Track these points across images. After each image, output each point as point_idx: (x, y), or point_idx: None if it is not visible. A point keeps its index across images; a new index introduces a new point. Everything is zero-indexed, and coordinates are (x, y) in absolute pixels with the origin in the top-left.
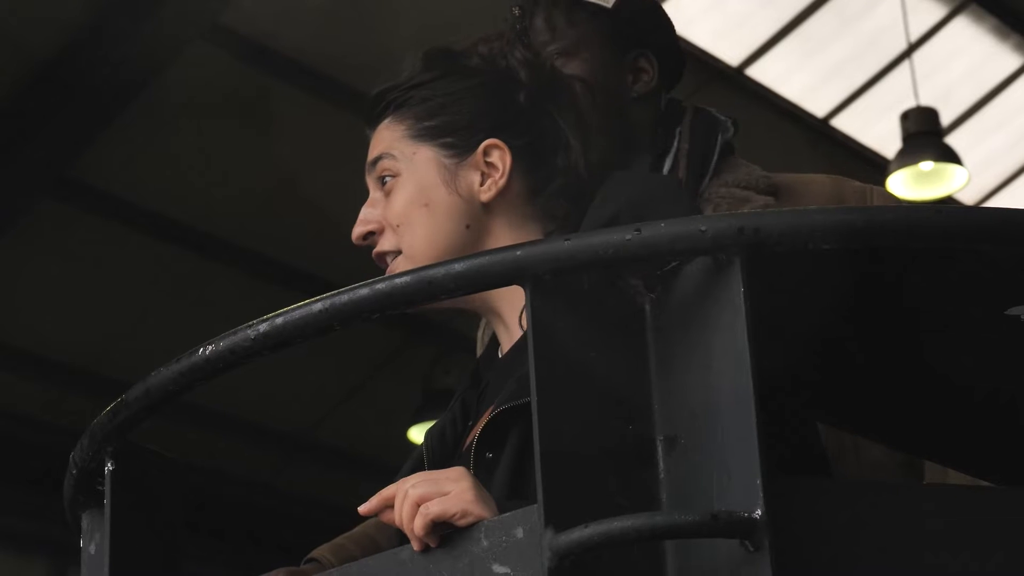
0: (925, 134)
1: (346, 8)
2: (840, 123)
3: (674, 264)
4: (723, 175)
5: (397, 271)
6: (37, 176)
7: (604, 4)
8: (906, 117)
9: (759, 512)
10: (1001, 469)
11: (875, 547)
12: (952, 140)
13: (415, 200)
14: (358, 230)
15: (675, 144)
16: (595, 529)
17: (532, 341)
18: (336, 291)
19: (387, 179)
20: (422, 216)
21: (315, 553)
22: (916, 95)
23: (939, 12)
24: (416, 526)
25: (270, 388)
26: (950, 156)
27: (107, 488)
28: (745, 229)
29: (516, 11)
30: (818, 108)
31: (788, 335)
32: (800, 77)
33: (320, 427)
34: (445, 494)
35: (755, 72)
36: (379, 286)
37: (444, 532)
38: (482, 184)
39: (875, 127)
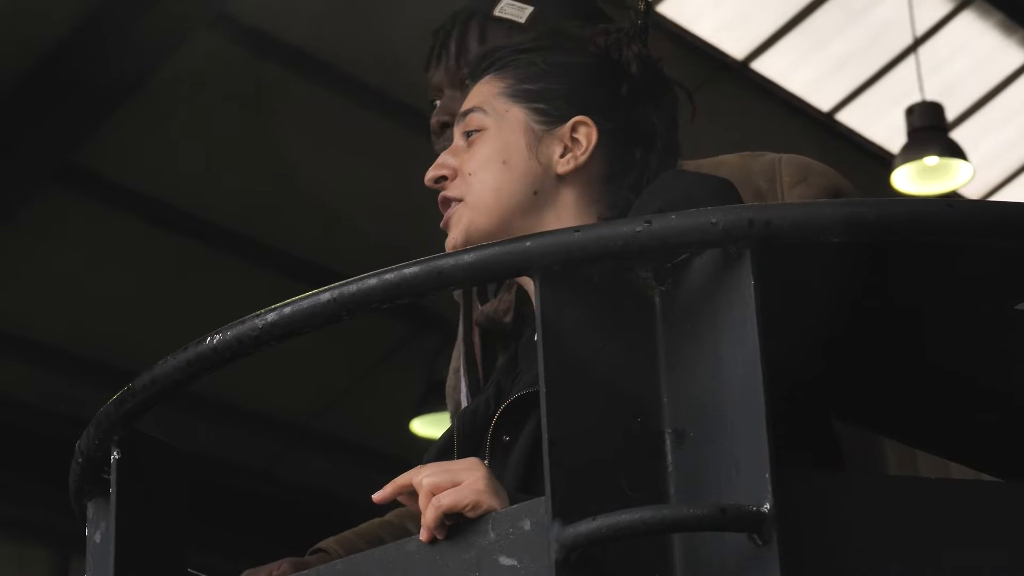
0: (930, 129)
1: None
2: (845, 117)
3: (684, 256)
4: None
5: (455, 218)
6: (41, 164)
7: (518, 20)
8: (911, 112)
9: (768, 506)
10: (1006, 463)
11: (883, 540)
12: (957, 135)
13: (495, 155)
14: (432, 173)
15: None
16: (603, 522)
17: (541, 333)
18: (344, 281)
19: (473, 132)
20: (497, 170)
21: (322, 544)
22: (921, 90)
23: (945, 7)
24: (427, 517)
25: (273, 378)
26: (955, 151)
27: (113, 477)
28: (755, 222)
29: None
30: (823, 102)
31: (799, 330)
32: (805, 71)
33: (323, 417)
34: (458, 484)
35: (760, 66)
36: (388, 276)
37: (453, 523)
38: (562, 156)
39: (880, 121)
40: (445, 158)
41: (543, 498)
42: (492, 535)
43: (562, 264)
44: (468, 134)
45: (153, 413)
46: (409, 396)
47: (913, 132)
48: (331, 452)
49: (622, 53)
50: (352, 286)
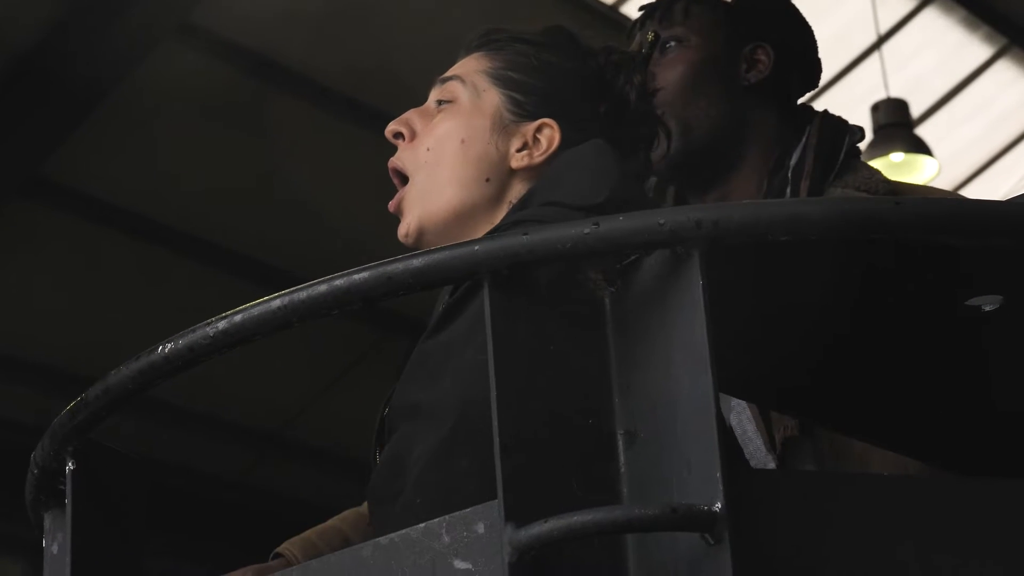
0: (895, 125)
1: (319, 8)
2: None
3: (633, 258)
4: (845, 176)
5: (407, 203)
6: (9, 174)
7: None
8: (876, 109)
9: (719, 505)
10: (965, 460)
11: (838, 539)
12: (922, 131)
13: (457, 130)
14: (393, 127)
15: (803, 139)
16: (555, 524)
17: (491, 336)
18: (294, 288)
19: (445, 102)
20: (453, 150)
21: (282, 548)
22: (886, 87)
23: (908, 4)
24: None
25: (244, 385)
26: (920, 147)
27: (68, 487)
28: (703, 222)
29: (651, 36)
30: None
31: (778, 331)
32: None
33: (295, 423)
34: None
35: None
36: (337, 282)
37: None
38: (519, 151)
39: (846, 119)
40: (411, 115)
41: (496, 501)
42: (446, 539)
43: (510, 267)
44: (440, 102)
45: (132, 424)
46: (381, 401)
47: (879, 129)
48: (303, 460)
49: (621, 78)
50: (302, 292)
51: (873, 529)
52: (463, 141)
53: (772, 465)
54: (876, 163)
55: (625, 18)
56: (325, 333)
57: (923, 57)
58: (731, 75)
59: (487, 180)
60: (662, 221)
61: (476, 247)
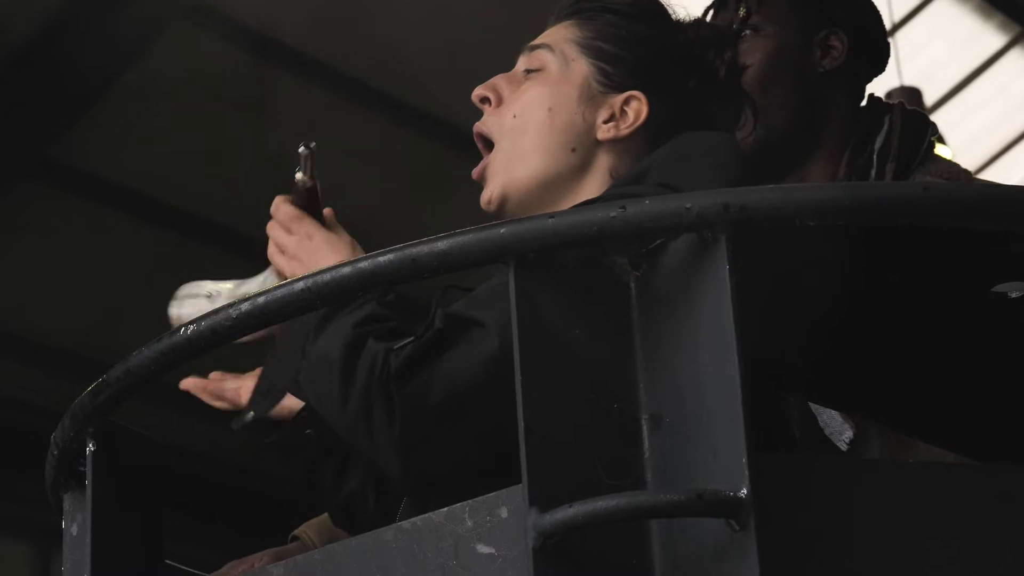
0: None
1: None
2: None
3: (660, 241)
4: (928, 164)
5: (491, 170)
6: (18, 158)
7: None
8: (890, 97)
9: (745, 491)
10: (986, 447)
11: (864, 526)
12: (936, 119)
13: (543, 101)
14: (480, 91)
15: (886, 125)
16: (579, 509)
17: (516, 320)
18: (318, 270)
19: (534, 70)
20: (540, 118)
21: (299, 531)
22: (900, 75)
23: None
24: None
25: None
26: None
27: (88, 469)
28: (731, 206)
29: (743, 11)
30: None
31: (794, 317)
32: None
33: None
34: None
35: None
36: (361, 265)
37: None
38: (606, 122)
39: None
40: (499, 81)
41: (520, 486)
42: (469, 523)
43: (537, 250)
44: (529, 70)
45: (148, 407)
46: None
47: None
48: None
49: (711, 53)
50: (326, 275)
51: (899, 516)
52: (550, 109)
53: (849, 433)
54: None
55: None
56: None
57: (936, 45)
58: (806, 62)
59: (572, 150)
60: (689, 205)
61: (502, 230)
